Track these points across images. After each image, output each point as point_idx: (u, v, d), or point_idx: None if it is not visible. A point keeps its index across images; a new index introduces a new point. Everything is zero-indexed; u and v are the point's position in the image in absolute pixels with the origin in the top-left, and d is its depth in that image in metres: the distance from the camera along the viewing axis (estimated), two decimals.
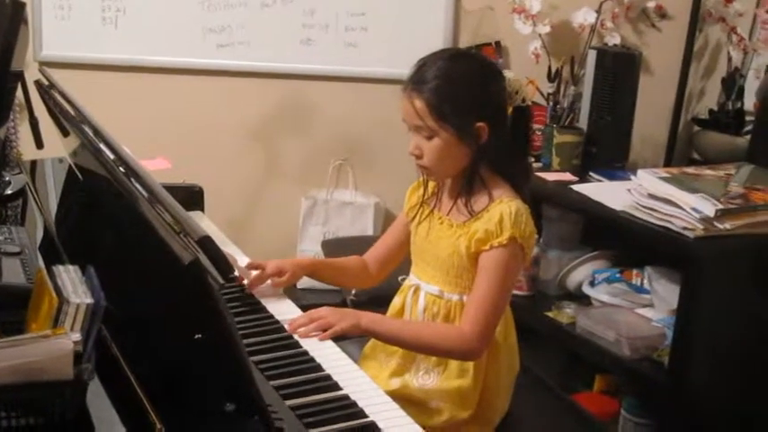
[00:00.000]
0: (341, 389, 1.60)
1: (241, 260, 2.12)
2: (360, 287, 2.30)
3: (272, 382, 1.58)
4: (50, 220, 2.00)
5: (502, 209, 1.84)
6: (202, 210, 2.43)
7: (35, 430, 1.19)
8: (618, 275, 2.92)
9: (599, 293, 2.89)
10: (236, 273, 2.00)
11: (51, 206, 2.11)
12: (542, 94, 3.20)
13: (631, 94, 3.11)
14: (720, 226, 2.39)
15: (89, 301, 1.23)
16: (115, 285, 1.30)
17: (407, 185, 2.08)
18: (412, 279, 2.01)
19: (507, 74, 1.93)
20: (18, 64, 2.03)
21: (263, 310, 1.92)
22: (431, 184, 1.99)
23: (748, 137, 3.09)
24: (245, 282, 2.00)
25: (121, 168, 1.52)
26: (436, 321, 1.94)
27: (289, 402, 1.51)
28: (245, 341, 1.69)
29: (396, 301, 2.04)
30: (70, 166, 2.08)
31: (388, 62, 3.26)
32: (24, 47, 2.10)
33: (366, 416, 1.51)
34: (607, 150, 3.11)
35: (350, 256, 2.16)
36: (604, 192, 2.79)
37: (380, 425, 1.49)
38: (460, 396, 1.90)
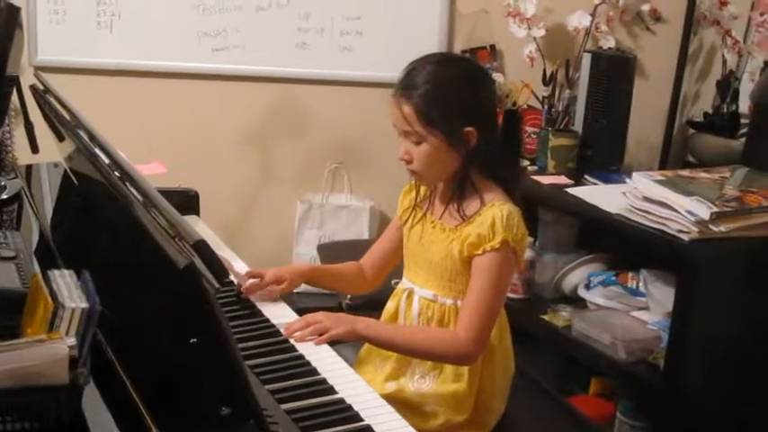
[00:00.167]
0: (336, 393, 1.60)
1: (237, 264, 2.13)
2: (357, 292, 2.30)
3: (267, 386, 1.58)
4: (46, 225, 2.00)
5: (494, 212, 1.84)
6: (198, 214, 2.43)
7: None
8: (613, 278, 2.92)
9: (594, 296, 2.89)
10: (232, 277, 2.00)
11: (47, 211, 2.11)
12: (537, 98, 3.20)
13: (626, 98, 3.11)
14: (715, 229, 2.39)
15: (84, 305, 1.23)
16: (110, 290, 1.30)
17: (403, 189, 2.08)
18: (405, 283, 2.01)
19: (497, 77, 1.93)
20: (13, 68, 2.03)
21: (259, 314, 1.92)
22: (423, 188, 2.00)
23: (743, 140, 3.09)
24: (244, 288, 1.99)
25: (117, 173, 1.52)
26: (431, 326, 1.94)
27: (284, 406, 1.52)
28: (240, 345, 1.69)
29: (389, 306, 2.04)
30: (65, 170, 2.08)
31: (383, 66, 3.26)
32: (19, 51, 2.10)
33: (362, 420, 1.51)
34: (602, 153, 3.11)
35: (346, 260, 2.17)
36: (599, 195, 2.79)
37: (376, 429, 1.49)
38: (456, 400, 1.90)
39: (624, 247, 2.86)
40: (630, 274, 2.91)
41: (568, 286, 3.00)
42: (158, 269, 1.31)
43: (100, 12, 3.23)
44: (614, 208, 2.63)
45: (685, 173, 2.70)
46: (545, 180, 3.02)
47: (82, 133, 1.74)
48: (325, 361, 1.71)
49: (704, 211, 2.38)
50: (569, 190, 2.90)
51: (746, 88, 3.17)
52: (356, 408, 1.55)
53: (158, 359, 1.40)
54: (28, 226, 2.01)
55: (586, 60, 3.13)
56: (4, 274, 1.58)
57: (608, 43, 3.26)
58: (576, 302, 2.96)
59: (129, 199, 1.41)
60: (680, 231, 2.42)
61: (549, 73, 3.20)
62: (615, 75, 3.08)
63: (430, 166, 1.87)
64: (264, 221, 3.49)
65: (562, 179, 3.02)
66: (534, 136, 3.21)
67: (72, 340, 1.20)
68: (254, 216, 3.49)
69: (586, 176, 3.04)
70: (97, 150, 1.64)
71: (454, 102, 1.84)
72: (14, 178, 2.22)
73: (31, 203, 2.12)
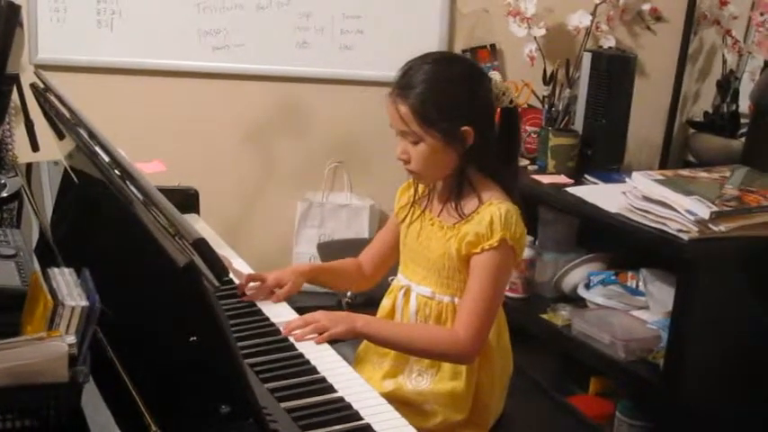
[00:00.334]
0: (336, 391, 1.60)
1: (236, 263, 2.13)
2: (357, 289, 2.30)
3: (267, 385, 1.58)
4: (46, 223, 2.00)
5: (492, 211, 1.84)
6: (198, 212, 2.44)
7: None
8: (613, 278, 2.92)
9: (594, 296, 2.89)
10: (232, 276, 2.01)
11: (47, 209, 2.11)
12: (537, 97, 3.20)
13: (626, 97, 3.11)
14: (715, 228, 2.39)
15: (84, 303, 1.23)
16: (110, 288, 1.30)
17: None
18: (401, 280, 2.01)
19: (493, 75, 1.92)
20: (14, 67, 2.03)
21: (259, 312, 1.93)
22: (421, 186, 2.00)
23: (743, 139, 3.09)
24: (247, 294, 1.99)
25: (117, 171, 1.52)
26: (429, 323, 1.94)
27: (284, 405, 1.52)
28: (240, 344, 1.70)
29: (385, 303, 2.04)
30: (66, 168, 2.08)
31: (383, 65, 3.23)
32: (20, 50, 2.11)
33: (361, 418, 1.52)
34: (602, 153, 3.11)
35: (345, 258, 2.17)
36: (599, 194, 2.79)
37: (375, 427, 1.49)
38: (453, 399, 1.90)
39: (624, 246, 2.87)
40: (630, 274, 2.92)
41: (568, 285, 3.00)
42: (158, 267, 1.31)
43: (100, 10, 3.23)
44: (614, 207, 2.63)
45: (685, 172, 2.70)
46: (545, 179, 3.02)
47: (82, 131, 1.75)
48: (324, 360, 1.72)
49: (704, 210, 2.38)
50: (569, 189, 2.90)
51: (746, 88, 3.17)
52: (355, 406, 1.55)
53: (158, 357, 1.40)
54: (28, 224, 2.02)
55: (587, 60, 3.12)
56: (3, 271, 1.58)
57: (608, 43, 3.26)
58: (576, 302, 2.96)
59: (129, 197, 1.41)
60: (680, 231, 2.42)
61: (549, 72, 3.20)
62: (615, 74, 3.08)
63: (428, 166, 1.87)
64: (264, 220, 3.49)
65: (562, 178, 3.02)
66: (534, 135, 3.21)
67: (72, 338, 1.20)
68: (254, 215, 3.49)
69: (586, 176, 3.04)
70: (97, 149, 1.64)
71: (451, 101, 1.84)
72: (14, 176, 2.22)
73: (31, 201, 2.12)
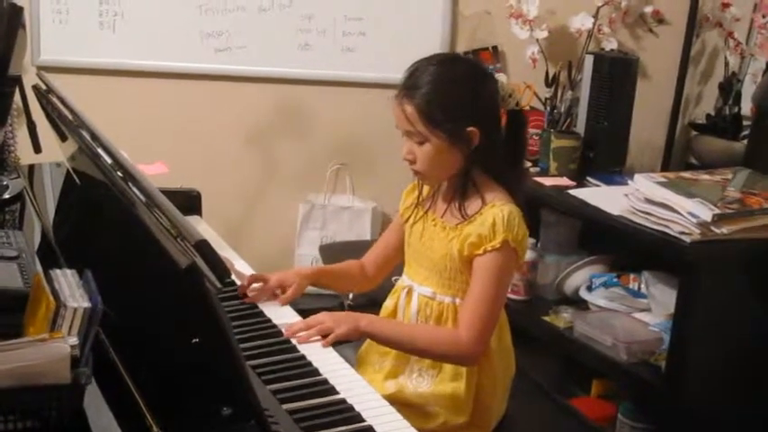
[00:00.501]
0: (338, 393, 1.60)
1: (238, 264, 2.13)
2: (359, 291, 2.30)
3: (269, 387, 1.58)
4: (48, 225, 2.00)
5: (494, 213, 1.84)
6: (200, 214, 2.43)
7: None
8: (615, 280, 2.92)
9: (596, 298, 2.89)
10: (234, 277, 2.00)
11: (49, 210, 2.11)
12: (540, 99, 3.20)
13: (628, 99, 3.11)
14: (717, 230, 2.39)
15: (86, 305, 1.23)
16: (112, 289, 1.30)
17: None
18: (405, 280, 2.01)
19: (500, 77, 1.93)
20: (16, 68, 2.03)
21: (261, 314, 1.92)
22: (426, 187, 2.00)
23: (745, 141, 3.09)
24: (250, 296, 1.99)
25: (119, 173, 1.52)
26: (430, 323, 1.94)
27: (286, 406, 1.52)
28: (242, 345, 1.70)
29: (388, 303, 2.04)
30: (68, 170, 2.08)
31: (385, 67, 3.26)
32: (22, 51, 2.11)
33: (363, 420, 1.51)
34: (604, 155, 3.11)
35: (347, 260, 2.17)
36: (602, 196, 2.79)
37: (377, 429, 1.49)
38: (454, 400, 1.90)
39: (626, 248, 2.87)
40: (632, 276, 2.92)
41: (570, 288, 3.00)
42: (160, 269, 1.31)
43: (102, 12, 3.23)
44: (616, 209, 2.63)
45: (687, 175, 2.69)
46: (547, 181, 3.02)
47: (84, 133, 1.75)
48: (326, 361, 1.71)
49: (706, 212, 2.38)
50: (571, 191, 2.90)
51: (749, 90, 3.17)
52: (358, 408, 1.55)
53: (160, 359, 1.40)
54: (30, 225, 2.02)
55: (589, 62, 3.13)
56: (6, 273, 1.58)
57: (610, 45, 3.26)
58: (578, 304, 2.96)
59: (131, 199, 1.41)
60: (682, 233, 2.42)
61: (551, 74, 3.20)
62: (617, 76, 3.08)
63: (433, 166, 1.87)
64: (267, 222, 3.49)
65: (564, 180, 3.02)
66: (536, 137, 3.20)
67: (74, 340, 1.20)
68: (256, 216, 3.50)
69: (588, 178, 3.04)
70: (99, 150, 1.64)
71: (457, 101, 1.84)
72: (17, 178, 2.22)
73: (33, 203, 2.12)
